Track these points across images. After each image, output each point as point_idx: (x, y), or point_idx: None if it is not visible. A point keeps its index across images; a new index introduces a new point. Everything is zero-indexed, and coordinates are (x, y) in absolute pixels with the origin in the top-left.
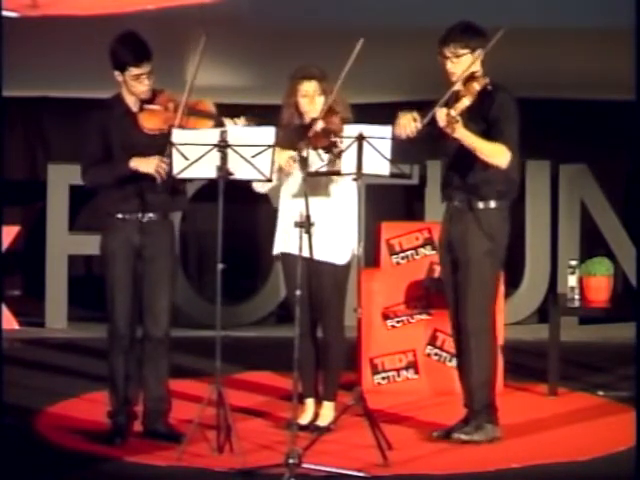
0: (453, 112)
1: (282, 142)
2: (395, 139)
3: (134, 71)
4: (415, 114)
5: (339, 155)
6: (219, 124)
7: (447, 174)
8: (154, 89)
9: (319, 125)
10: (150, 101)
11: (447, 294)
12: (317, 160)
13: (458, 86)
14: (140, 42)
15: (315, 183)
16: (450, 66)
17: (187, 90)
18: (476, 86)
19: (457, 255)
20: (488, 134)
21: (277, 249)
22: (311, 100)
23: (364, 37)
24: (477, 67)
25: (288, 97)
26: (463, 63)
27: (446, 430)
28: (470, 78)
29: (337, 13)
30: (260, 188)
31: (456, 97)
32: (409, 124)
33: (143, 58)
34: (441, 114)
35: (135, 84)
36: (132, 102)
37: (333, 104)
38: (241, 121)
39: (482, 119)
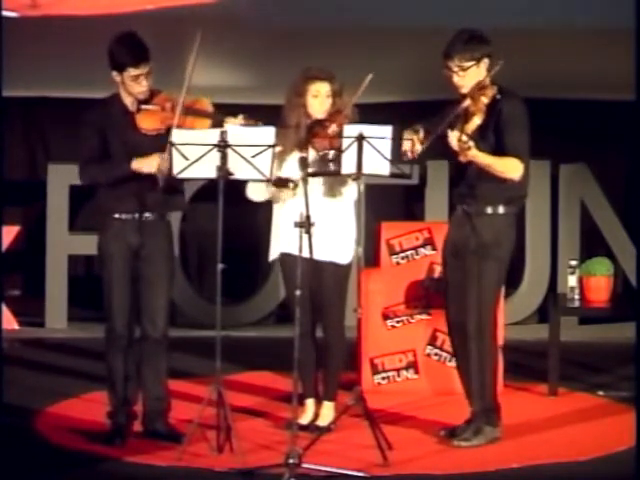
0: (465, 137)
1: (290, 142)
2: (400, 157)
3: (133, 72)
4: (419, 135)
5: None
6: (219, 122)
7: (456, 177)
8: (152, 89)
9: (333, 127)
10: (147, 101)
11: (446, 294)
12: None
13: (465, 102)
14: (139, 42)
15: (315, 183)
16: (457, 79)
17: (184, 89)
18: (484, 100)
19: (462, 258)
20: (498, 145)
21: (275, 251)
22: (321, 101)
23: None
24: (482, 76)
25: (297, 97)
26: (470, 75)
27: (452, 429)
28: (478, 89)
29: (337, 13)
30: (254, 197)
31: (465, 113)
32: (412, 147)
33: (142, 59)
34: (453, 138)
35: (133, 85)
36: (129, 102)
37: (345, 108)
38: (239, 120)
39: (491, 131)
